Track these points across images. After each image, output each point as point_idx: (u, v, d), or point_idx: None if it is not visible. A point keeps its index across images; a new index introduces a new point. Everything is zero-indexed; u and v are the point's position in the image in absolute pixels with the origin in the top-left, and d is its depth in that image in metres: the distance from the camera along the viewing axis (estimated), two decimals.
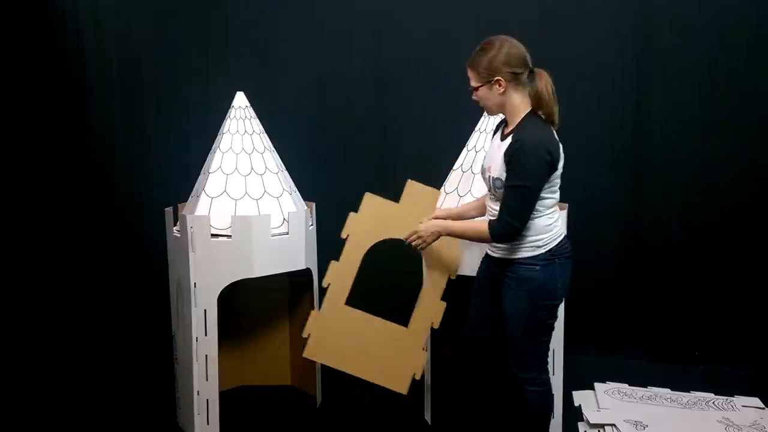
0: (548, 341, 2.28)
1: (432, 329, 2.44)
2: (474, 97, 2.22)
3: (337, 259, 2.50)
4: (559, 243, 2.21)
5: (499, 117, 2.34)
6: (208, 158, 2.89)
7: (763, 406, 3.00)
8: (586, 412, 2.90)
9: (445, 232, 2.28)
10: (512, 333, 2.23)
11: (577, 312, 3.10)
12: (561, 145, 2.16)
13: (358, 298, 2.55)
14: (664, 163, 3.57)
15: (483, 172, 2.29)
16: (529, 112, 2.17)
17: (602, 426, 2.80)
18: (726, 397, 3.06)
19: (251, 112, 2.92)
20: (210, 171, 2.79)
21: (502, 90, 2.14)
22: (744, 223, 3.50)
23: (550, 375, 2.64)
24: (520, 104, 2.17)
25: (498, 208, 2.17)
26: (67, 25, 3.63)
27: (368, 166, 3.78)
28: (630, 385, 3.19)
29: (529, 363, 2.24)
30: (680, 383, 3.20)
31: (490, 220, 2.15)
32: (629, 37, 3.53)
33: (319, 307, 2.65)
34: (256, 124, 2.91)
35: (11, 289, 3.44)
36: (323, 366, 3.05)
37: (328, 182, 3.67)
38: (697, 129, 3.51)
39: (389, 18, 3.72)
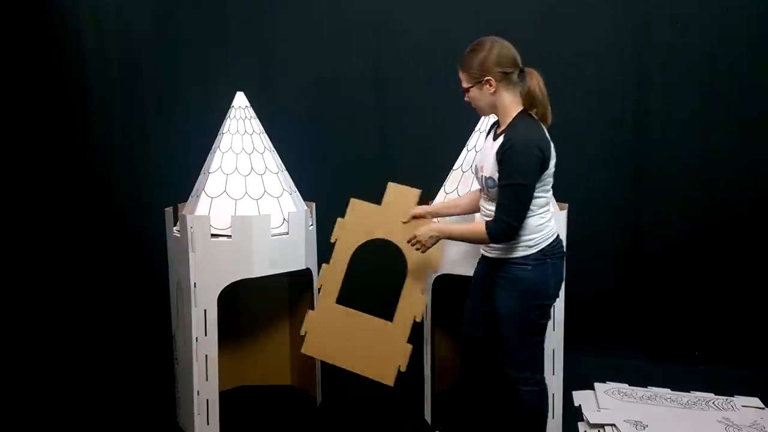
0: (542, 341, 2.28)
1: (415, 322, 2.48)
2: (466, 99, 2.25)
3: (328, 261, 2.58)
4: (551, 243, 2.21)
5: (493, 118, 2.35)
6: (208, 158, 2.89)
7: (763, 406, 3.00)
8: (586, 412, 2.90)
9: (443, 235, 2.29)
10: (505, 333, 2.24)
11: (577, 312, 3.10)
12: (552, 144, 2.18)
13: (350, 296, 2.59)
14: (664, 161, 3.57)
15: (476, 171, 2.30)
16: (521, 112, 2.19)
17: (602, 426, 2.80)
18: (726, 397, 3.06)
19: (251, 112, 2.92)
20: (210, 171, 2.79)
21: (492, 90, 2.16)
22: (744, 221, 3.50)
23: (551, 375, 2.66)
24: (511, 104, 2.19)
25: (491, 207, 2.19)
26: (67, 25, 3.63)
27: (368, 166, 3.78)
28: (630, 385, 3.19)
29: (522, 363, 2.24)
30: (680, 383, 3.20)
31: (487, 220, 2.16)
32: (629, 36, 3.53)
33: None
34: (256, 124, 2.91)
35: (11, 289, 3.44)
36: (323, 366, 3.07)
37: (328, 182, 3.67)
38: (696, 126, 3.51)
39: (389, 18, 3.72)
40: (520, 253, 2.18)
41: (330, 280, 2.53)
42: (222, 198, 2.73)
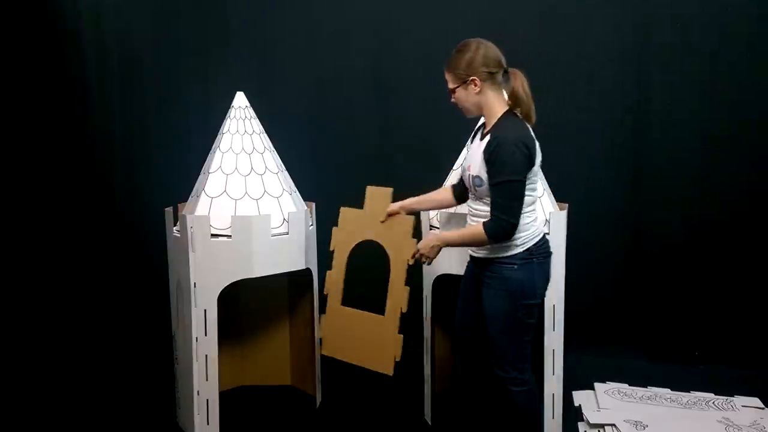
0: (529, 341, 2.28)
1: (409, 314, 2.54)
2: (452, 100, 2.29)
3: (329, 266, 2.68)
4: (538, 243, 2.23)
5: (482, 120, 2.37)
6: (208, 158, 2.89)
7: (763, 406, 3.00)
8: (586, 412, 2.90)
9: (443, 243, 2.31)
10: (493, 333, 2.26)
11: (577, 312, 3.10)
12: (538, 143, 2.20)
13: (352, 296, 2.66)
14: (664, 161, 3.57)
15: (463, 171, 2.33)
16: (506, 111, 2.22)
17: (602, 426, 2.80)
18: (726, 397, 3.06)
19: (251, 112, 2.92)
20: (210, 171, 2.79)
21: (478, 89, 2.20)
22: (744, 221, 3.50)
23: (551, 375, 2.66)
24: (496, 104, 2.22)
25: (478, 207, 2.23)
26: (67, 26, 3.63)
27: (368, 166, 3.78)
28: (630, 385, 3.19)
29: (509, 362, 2.25)
30: (680, 383, 3.20)
31: (485, 221, 2.17)
32: (629, 36, 3.53)
33: (320, 309, 2.83)
34: (256, 124, 2.91)
35: (11, 289, 3.44)
36: (323, 366, 3.08)
37: (328, 182, 3.67)
38: (696, 126, 3.51)
39: (389, 18, 3.73)
40: (506, 252, 2.20)
41: (333, 284, 2.64)
42: (222, 198, 2.73)
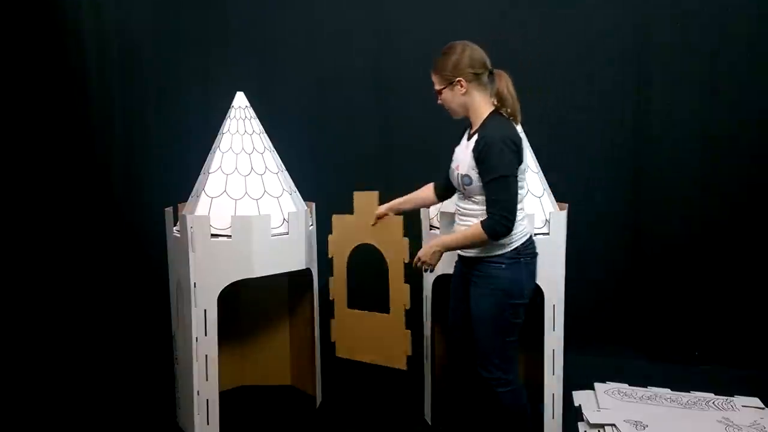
0: (514, 342, 2.29)
1: (412, 311, 2.60)
2: (439, 101, 2.31)
3: (330, 272, 2.74)
4: (525, 242, 2.25)
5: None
6: (208, 158, 2.89)
7: (763, 406, 2.99)
8: (586, 412, 2.90)
9: (443, 247, 2.31)
10: (479, 333, 2.27)
11: (577, 312, 3.10)
12: (524, 140, 2.23)
13: (359, 298, 2.71)
14: (664, 161, 3.57)
15: (451, 172, 2.35)
16: (492, 112, 2.24)
17: (602, 426, 2.80)
18: (726, 397, 3.06)
19: (251, 112, 2.92)
20: (210, 171, 2.79)
21: (464, 90, 2.22)
22: (744, 221, 3.50)
23: (551, 375, 2.66)
24: (482, 104, 2.24)
25: (466, 205, 2.26)
26: (68, 25, 3.63)
27: (368, 166, 3.78)
28: (630, 385, 3.19)
29: (493, 363, 2.25)
30: (680, 383, 3.20)
31: (482, 220, 2.17)
32: (629, 36, 3.53)
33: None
34: (256, 124, 2.91)
35: (11, 289, 3.44)
36: (323, 366, 3.09)
37: (328, 182, 3.67)
38: (696, 126, 3.51)
39: (389, 18, 3.73)
40: (494, 251, 2.22)
41: (338, 289, 2.71)
42: (222, 198, 2.73)
